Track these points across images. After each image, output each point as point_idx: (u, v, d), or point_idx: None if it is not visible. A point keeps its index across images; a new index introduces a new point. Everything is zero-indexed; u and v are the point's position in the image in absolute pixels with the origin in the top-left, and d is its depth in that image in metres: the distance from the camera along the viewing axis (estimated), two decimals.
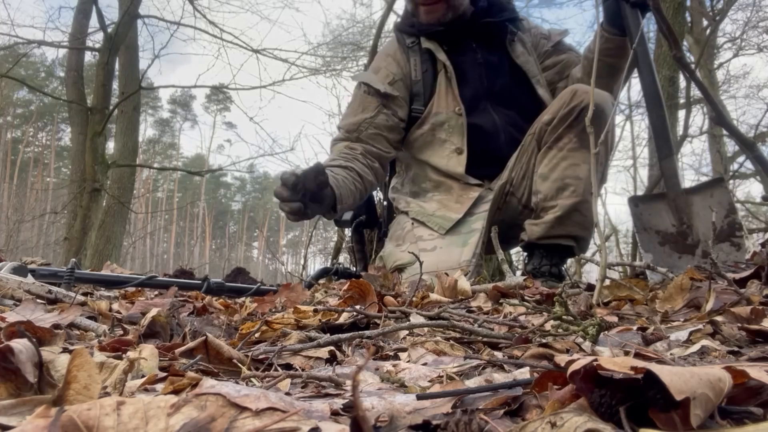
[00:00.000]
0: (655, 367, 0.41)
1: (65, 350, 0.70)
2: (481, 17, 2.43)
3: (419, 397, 0.54)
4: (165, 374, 0.67)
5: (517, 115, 2.46)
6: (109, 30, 8.02)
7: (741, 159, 8.49)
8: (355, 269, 2.64)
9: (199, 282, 1.97)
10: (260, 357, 0.84)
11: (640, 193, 6.10)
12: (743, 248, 1.86)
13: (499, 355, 0.85)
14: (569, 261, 2.24)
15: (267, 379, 0.69)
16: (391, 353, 0.89)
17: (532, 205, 2.25)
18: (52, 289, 1.44)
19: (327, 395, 0.63)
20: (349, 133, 2.38)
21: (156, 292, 1.94)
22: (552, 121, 2.14)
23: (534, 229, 2.17)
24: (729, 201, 1.93)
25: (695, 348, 0.78)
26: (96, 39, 8.77)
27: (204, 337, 0.81)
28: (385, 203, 2.89)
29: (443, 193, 2.47)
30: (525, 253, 2.34)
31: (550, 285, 1.81)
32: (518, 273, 3.15)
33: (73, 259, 1.98)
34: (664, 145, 1.96)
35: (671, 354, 0.76)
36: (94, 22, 8.32)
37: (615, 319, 1.10)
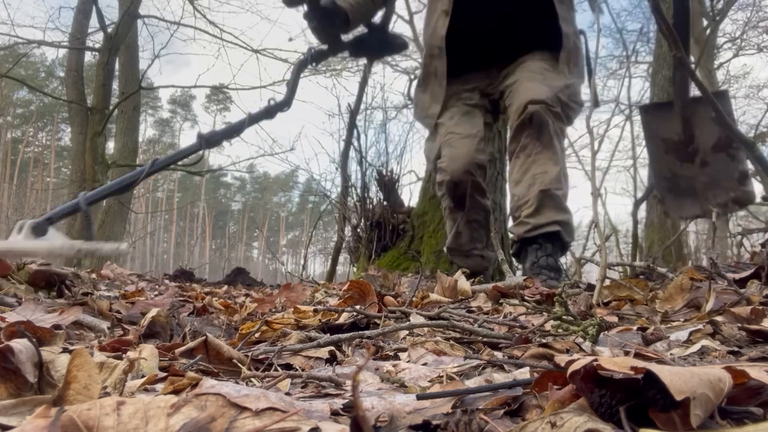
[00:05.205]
0: (655, 367, 0.41)
1: (65, 350, 0.70)
2: None
3: (419, 397, 0.54)
4: (165, 374, 0.67)
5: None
6: (109, 30, 8.01)
7: None
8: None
9: (197, 144, 2.00)
10: (260, 357, 0.84)
11: (639, 194, 6.11)
12: (737, 159, 1.95)
13: (499, 355, 0.85)
14: (569, 261, 2.24)
15: (267, 379, 0.69)
16: (391, 353, 0.89)
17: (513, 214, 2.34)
18: (75, 245, 1.41)
19: (327, 395, 0.63)
20: None
21: (156, 292, 1.94)
22: (512, 135, 2.31)
23: (518, 229, 2.25)
24: (730, 113, 1.99)
25: (695, 348, 0.78)
26: (96, 39, 8.78)
27: (204, 337, 0.81)
28: None
29: (432, 83, 2.55)
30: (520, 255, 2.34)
31: (550, 285, 1.82)
32: (518, 273, 3.15)
33: (82, 192, 1.91)
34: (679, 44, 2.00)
35: (671, 354, 0.76)
36: (94, 22, 8.33)
37: (615, 319, 1.10)
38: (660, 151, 2.12)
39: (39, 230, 1.53)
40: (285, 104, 2.27)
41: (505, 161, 3.94)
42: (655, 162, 2.19)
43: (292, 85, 2.38)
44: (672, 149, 2.10)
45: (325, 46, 2.48)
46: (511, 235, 2.32)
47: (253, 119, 2.15)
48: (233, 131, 2.09)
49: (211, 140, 2.01)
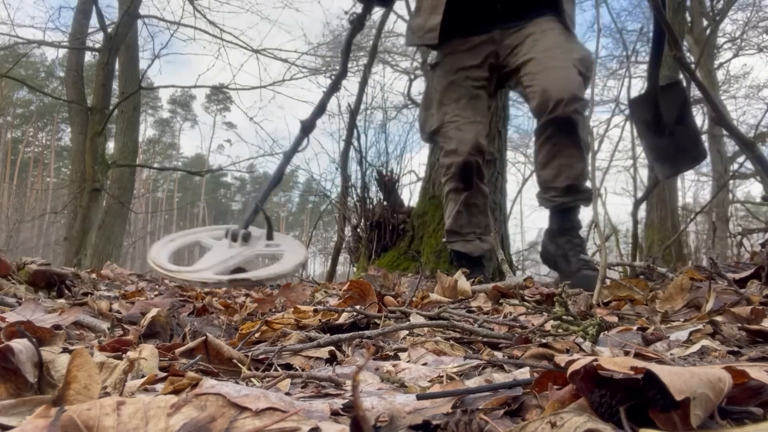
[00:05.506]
0: (655, 367, 0.41)
1: (65, 350, 0.70)
2: None
3: (419, 397, 0.54)
4: (165, 374, 0.67)
5: None
6: (109, 30, 8.00)
7: (741, 159, 8.49)
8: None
9: (301, 134, 2.26)
10: (260, 357, 0.84)
11: (639, 194, 6.13)
12: (691, 128, 2.56)
13: (499, 355, 0.85)
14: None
15: (267, 379, 0.69)
16: (391, 353, 0.89)
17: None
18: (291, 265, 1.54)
19: (327, 395, 0.63)
20: None
21: (156, 292, 1.94)
22: (539, 120, 2.41)
23: (545, 203, 2.52)
24: (684, 95, 2.63)
25: (695, 348, 0.78)
26: (96, 39, 8.77)
27: (204, 337, 0.81)
28: None
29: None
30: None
31: (574, 244, 2.29)
32: (518, 273, 3.17)
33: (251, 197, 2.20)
34: (658, 53, 2.45)
35: (671, 354, 0.76)
36: (94, 22, 8.32)
37: (615, 319, 1.10)
38: (645, 131, 2.68)
39: (248, 236, 1.85)
40: (344, 73, 2.54)
41: (506, 161, 3.96)
42: (643, 138, 2.76)
43: (346, 54, 2.60)
44: (650, 127, 2.63)
45: (359, 8, 2.66)
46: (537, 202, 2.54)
47: (328, 94, 2.42)
48: (320, 110, 2.37)
49: (311, 126, 2.22)
